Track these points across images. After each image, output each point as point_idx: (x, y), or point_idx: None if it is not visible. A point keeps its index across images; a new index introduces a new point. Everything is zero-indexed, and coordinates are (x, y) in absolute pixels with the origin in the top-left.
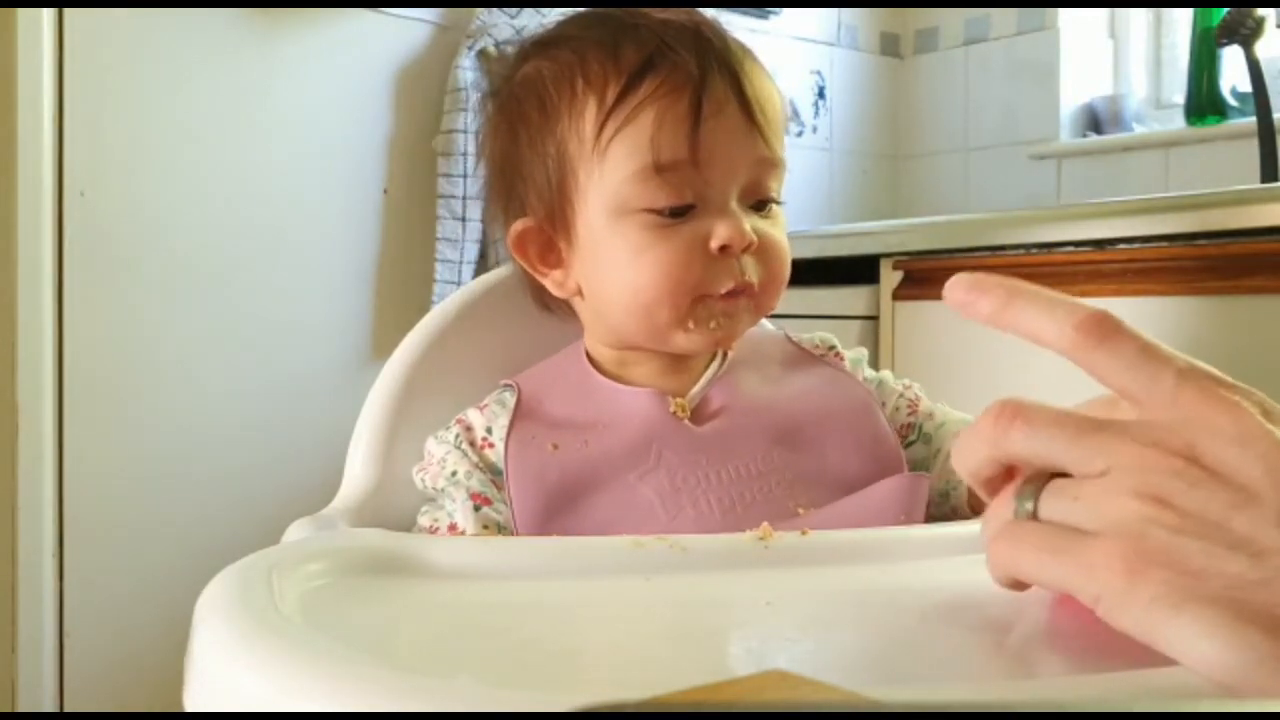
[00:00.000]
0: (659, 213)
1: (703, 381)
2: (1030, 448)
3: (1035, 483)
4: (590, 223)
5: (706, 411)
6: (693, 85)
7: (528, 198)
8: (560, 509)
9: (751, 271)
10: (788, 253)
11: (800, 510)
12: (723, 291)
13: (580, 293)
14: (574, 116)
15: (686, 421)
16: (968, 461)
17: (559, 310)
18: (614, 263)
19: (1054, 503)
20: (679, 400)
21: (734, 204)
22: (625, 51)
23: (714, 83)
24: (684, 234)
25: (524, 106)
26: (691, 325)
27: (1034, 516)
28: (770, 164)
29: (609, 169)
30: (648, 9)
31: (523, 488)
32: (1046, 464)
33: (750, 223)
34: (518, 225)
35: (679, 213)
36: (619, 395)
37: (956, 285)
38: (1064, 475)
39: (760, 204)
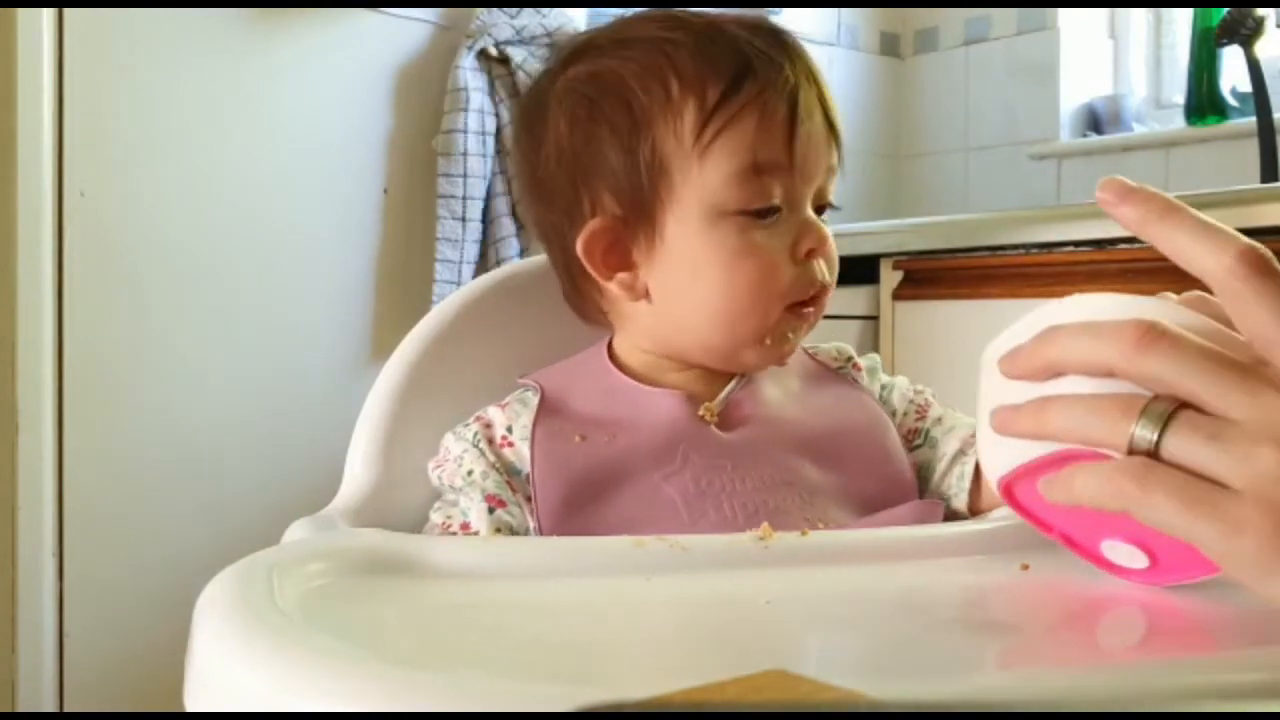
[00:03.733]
0: (751, 215)
1: (729, 388)
2: (1168, 374)
3: (1160, 409)
4: (682, 223)
5: (734, 417)
6: (789, 91)
7: (600, 197)
8: (583, 502)
9: (826, 274)
10: None
11: (820, 525)
12: (809, 296)
13: (648, 295)
14: (670, 117)
15: (713, 426)
16: (1075, 355)
17: (595, 320)
18: (707, 267)
19: (1185, 440)
20: (707, 405)
21: (809, 209)
22: (720, 55)
23: (806, 91)
24: (772, 241)
25: (602, 105)
26: (769, 341)
27: (1155, 446)
28: (834, 173)
29: (709, 169)
30: (705, 10)
31: (547, 477)
32: (1178, 393)
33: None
34: (594, 223)
35: (765, 214)
36: (646, 396)
37: (1109, 186)
38: (1190, 406)
39: (819, 210)
